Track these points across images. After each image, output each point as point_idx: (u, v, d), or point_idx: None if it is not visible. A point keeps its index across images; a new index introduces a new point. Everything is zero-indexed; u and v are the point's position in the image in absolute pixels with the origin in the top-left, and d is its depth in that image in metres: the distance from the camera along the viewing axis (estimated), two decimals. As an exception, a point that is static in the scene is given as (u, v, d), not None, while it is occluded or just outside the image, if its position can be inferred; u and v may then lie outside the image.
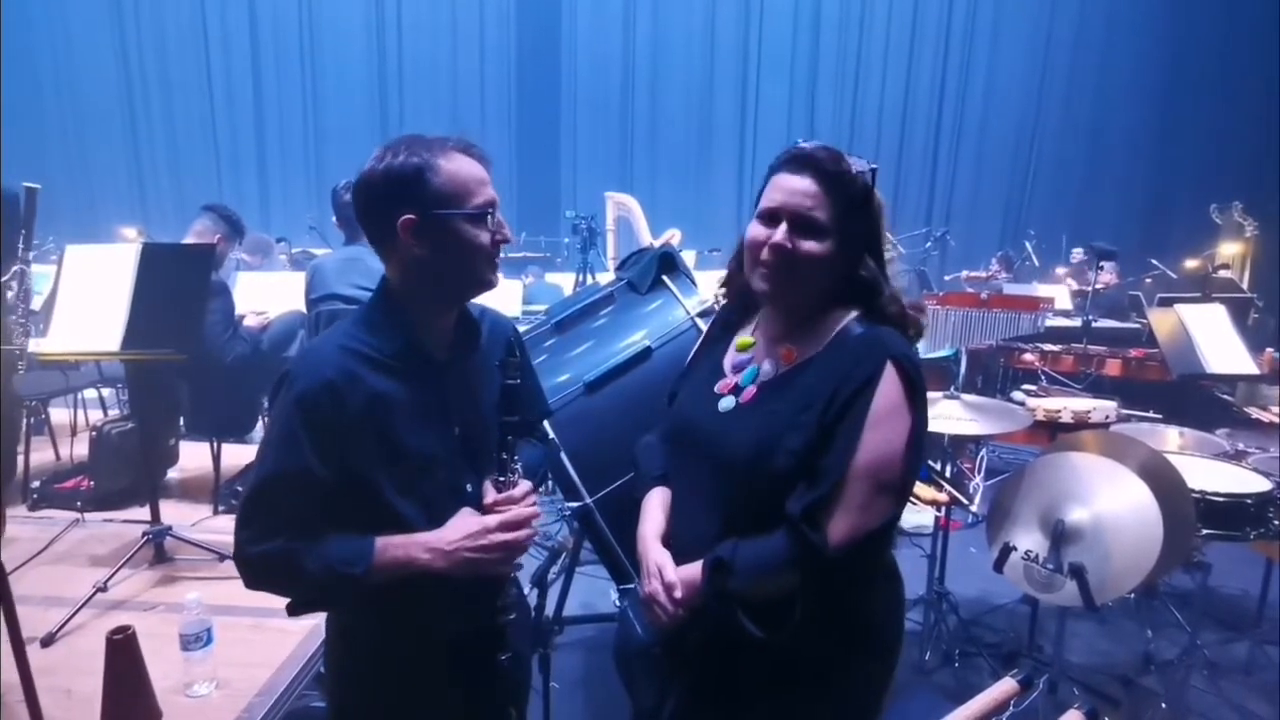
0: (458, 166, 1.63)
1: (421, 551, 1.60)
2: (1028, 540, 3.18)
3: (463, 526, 1.65)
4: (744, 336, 1.87)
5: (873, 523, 1.56)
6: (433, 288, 1.70)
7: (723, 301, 1.98)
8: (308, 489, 1.57)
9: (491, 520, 1.66)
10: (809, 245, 1.62)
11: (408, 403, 1.66)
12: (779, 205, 1.64)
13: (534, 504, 1.75)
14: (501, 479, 1.72)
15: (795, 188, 1.63)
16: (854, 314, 1.70)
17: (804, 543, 1.55)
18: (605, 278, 6.18)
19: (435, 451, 1.69)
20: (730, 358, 1.86)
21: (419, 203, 1.61)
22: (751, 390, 1.74)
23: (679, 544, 1.79)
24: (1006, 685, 1.41)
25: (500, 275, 1.75)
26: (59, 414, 5.38)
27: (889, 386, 1.57)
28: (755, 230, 1.68)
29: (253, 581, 1.63)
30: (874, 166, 1.66)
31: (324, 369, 1.60)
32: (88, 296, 3.14)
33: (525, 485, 1.76)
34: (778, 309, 1.76)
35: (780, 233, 1.62)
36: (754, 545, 1.61)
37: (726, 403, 1.77)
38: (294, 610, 1.68)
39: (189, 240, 4.24)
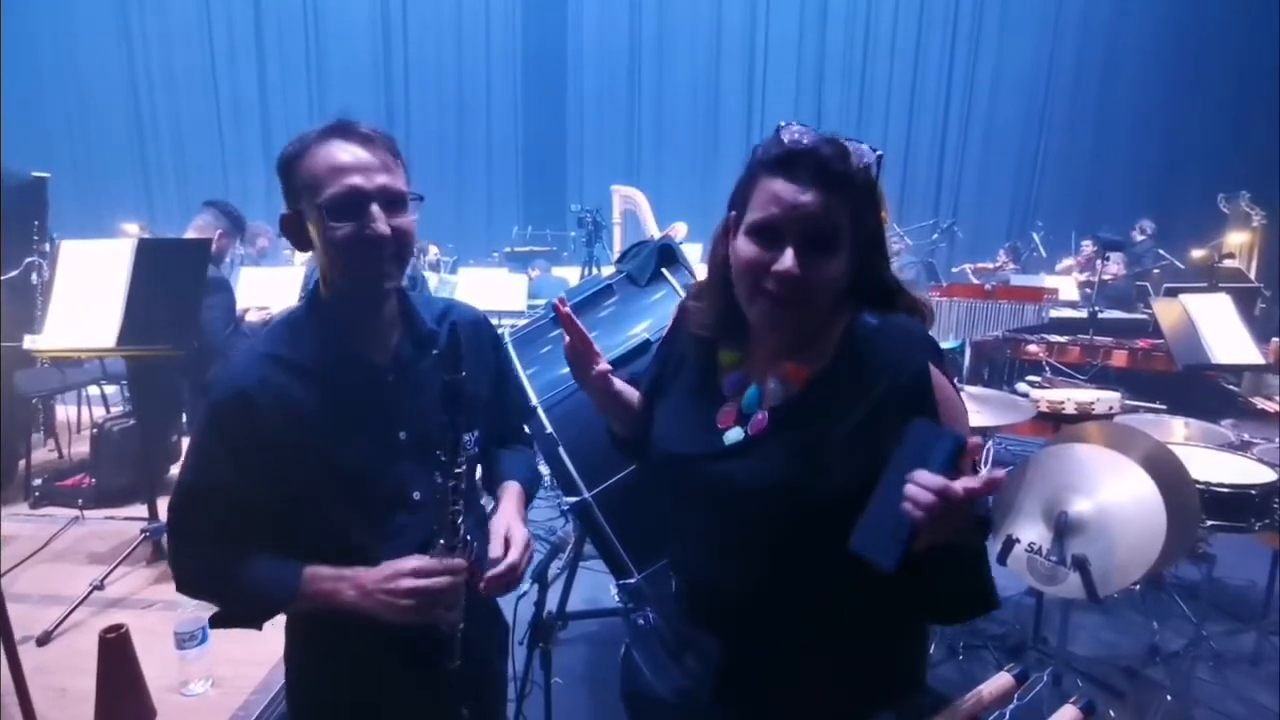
0: (319, 154, 1.49)
1: (348, 588, 1.52)
2: (1031, 532, 3.16)
3: (386, 566, 1.53)
4: (727, 351, 1.59)
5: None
6: (337, 287, 1.59)
7: (697, 313, 1.61)
8: (228, 501, 1.53)
9: (406, 564, 1.52)
10: (825, 268, 1.36)
11: (337, 410, 1.57)
12: (780, 221, 1.35)
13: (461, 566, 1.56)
14: (456, 465, 1.54)
15: (800, 199, 1.33)
16: (856, 309, 1.46)
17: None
18: (612, 271, 6.19)
19: (373, 460, 1.60)
20: (720, 377, 1.59)
21: (289, 198, 1.54)
22: (761, 418, 1.48)
23: (697, 589, 1.63)
24: (1002, 680, 1.39)
25: (389, 282, 1.58)
26: (62, 411, 5.38)
27: (941, 384, 1.38)
28: (750, 251, 1.39)
29: (183, 588, 1.61)
30: (879, 153, 1.39)
31: (239, 378, 1.55)
32: (83, 292, 3.13)
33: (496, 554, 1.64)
34: (777, 331, 1.48)
35: (789, 259, 1.33)
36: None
37: (733, 435, 1.50)
38: (217, 622, 1.63)
39: (189, 235, 4.23)
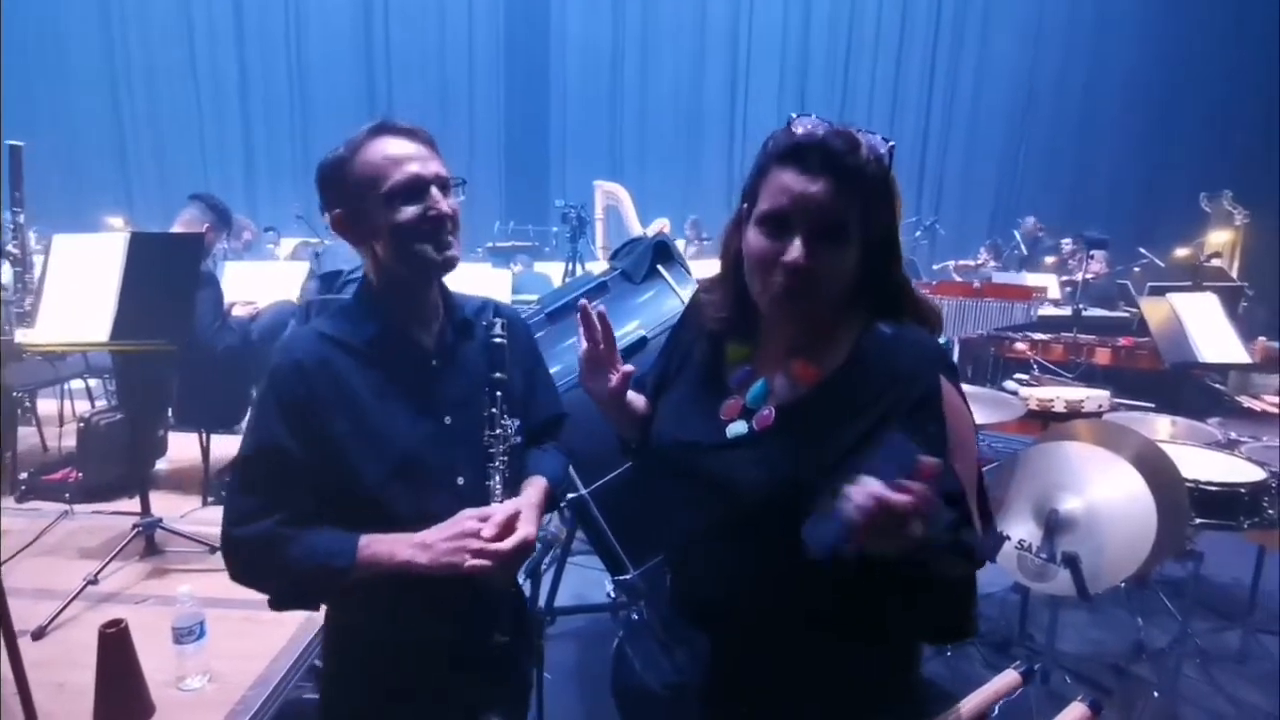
0: (372, 150, 1.62)
1: (406, 547, 1.57)
2: (1021, 529, 3.17)
3: (450, 521, 1.60)
4: (736, 344, 1.61)
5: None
6: (391, 274, 1.69)
7: (710, 307, 1.63)
8: (286, 467, 1.58)
9: (475, 510, 1.62)
10: (833, 259, 1.38)
11: (388, 391, 1.66)
12: (789, 211, 1.36)
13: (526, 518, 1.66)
14: (493, 433, 1.71)
15: (808, 190, 1.34)
16: (868, 313, 1.48)
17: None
18: (595, 267, 6.17)
19: (421, 442, 1.67)
20: (726, 370, 1.61)
21: (344, 197, 1.65)
22: (768, 414, 1.49)
23: (690, 583, 1.66)
24: (1010, 677, 1.41)
25: (453, 253, 1.71)
26: (46, 405, 5.34)
27: (952, 400, 1.40)
28: (760, 242, 1.40)
29: (237, 570, 1.63)
30: (891, 144, 1.40)
31: (297, 350, 1.64)
32: (75, 286, 3.11)
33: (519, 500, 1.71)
34: (788, 324, 1.51)
35: (797, 250, 1.35)
36: None
37: (737, 428, 1.52)
38: (276, 604, 1.67)
39: (176, 229, 4.20)
